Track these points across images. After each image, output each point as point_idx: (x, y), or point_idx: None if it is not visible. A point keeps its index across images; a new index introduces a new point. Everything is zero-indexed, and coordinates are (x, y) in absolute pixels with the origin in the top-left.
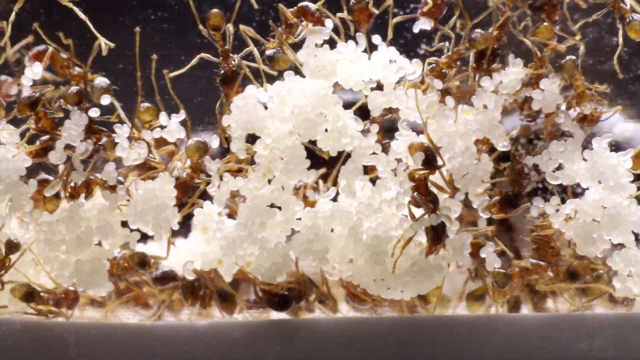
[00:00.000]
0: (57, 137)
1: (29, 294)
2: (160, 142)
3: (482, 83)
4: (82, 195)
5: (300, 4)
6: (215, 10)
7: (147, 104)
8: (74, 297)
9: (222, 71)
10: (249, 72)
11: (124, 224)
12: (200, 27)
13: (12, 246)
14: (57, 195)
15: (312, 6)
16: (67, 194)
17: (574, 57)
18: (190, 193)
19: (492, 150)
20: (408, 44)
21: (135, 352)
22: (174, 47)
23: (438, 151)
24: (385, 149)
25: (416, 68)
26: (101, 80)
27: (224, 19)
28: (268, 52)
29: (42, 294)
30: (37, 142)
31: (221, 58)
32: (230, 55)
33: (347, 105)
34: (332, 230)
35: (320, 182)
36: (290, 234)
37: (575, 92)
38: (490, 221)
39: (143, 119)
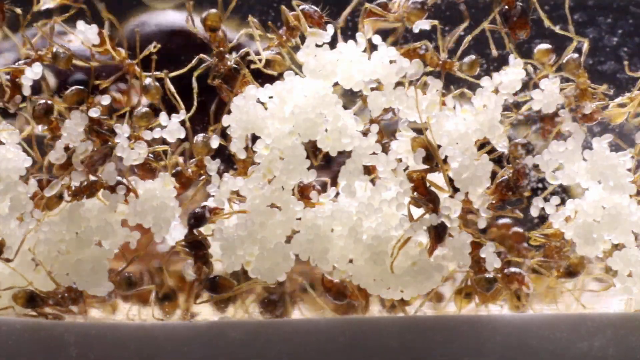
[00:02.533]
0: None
1: (31, 299)
2: None
3: (482, 83)
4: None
5: (300, 7)
6: (213, 10)
7: (144, 109)
8: (77, 295)
9: (220, 72)
10: (247, 73)
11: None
12: (195, 28)
13: None
14: (59, 196)
15: (312, 8)
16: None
17: (576, 56)
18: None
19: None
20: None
21: (135, 352)
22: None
23: (437, 152)
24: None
25: (417, 68)
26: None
27: (222, 20)
28: (266, 54)
29: (44, 297)
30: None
31: (216, 59)
32: (226, 56)
33: None
34: (332, 230)
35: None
36: (290, 233)
37: (577, 91)
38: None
39: (139, 124)
